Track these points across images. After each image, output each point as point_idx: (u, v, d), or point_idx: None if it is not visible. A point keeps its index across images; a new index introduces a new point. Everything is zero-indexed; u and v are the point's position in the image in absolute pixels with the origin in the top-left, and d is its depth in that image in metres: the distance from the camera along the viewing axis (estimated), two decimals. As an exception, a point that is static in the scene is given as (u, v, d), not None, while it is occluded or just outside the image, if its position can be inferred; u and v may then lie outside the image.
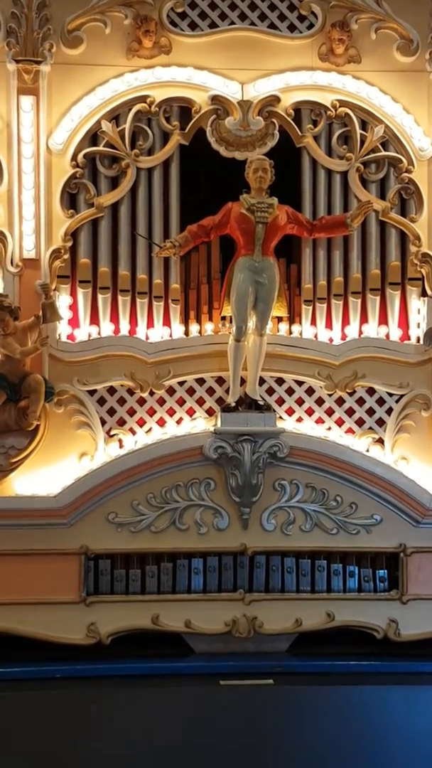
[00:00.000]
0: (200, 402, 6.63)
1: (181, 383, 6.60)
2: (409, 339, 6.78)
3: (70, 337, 6.54)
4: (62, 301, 6.50)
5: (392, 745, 5.74)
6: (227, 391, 6.54)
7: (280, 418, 6.59)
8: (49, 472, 6.39)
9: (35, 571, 6.24)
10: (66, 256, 6.49)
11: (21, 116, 6.45)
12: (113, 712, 5.70)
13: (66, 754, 5.51)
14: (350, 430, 6.70)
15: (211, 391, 6.64)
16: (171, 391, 6.60)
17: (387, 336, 6.74)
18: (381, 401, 6.73)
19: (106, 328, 6.56)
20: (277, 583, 6.47)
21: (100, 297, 6.55)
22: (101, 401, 6.55)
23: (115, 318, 6.59)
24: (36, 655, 6.18)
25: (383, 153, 6.74)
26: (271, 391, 6.66)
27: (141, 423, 6.59)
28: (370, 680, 6.11)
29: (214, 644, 6.40)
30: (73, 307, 6.56)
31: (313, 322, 6.72)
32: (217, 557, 6.45)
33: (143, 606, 6.34)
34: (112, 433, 6.53)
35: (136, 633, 6.35)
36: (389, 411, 6.71)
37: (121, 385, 6.55)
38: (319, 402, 6.69)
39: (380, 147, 6.74)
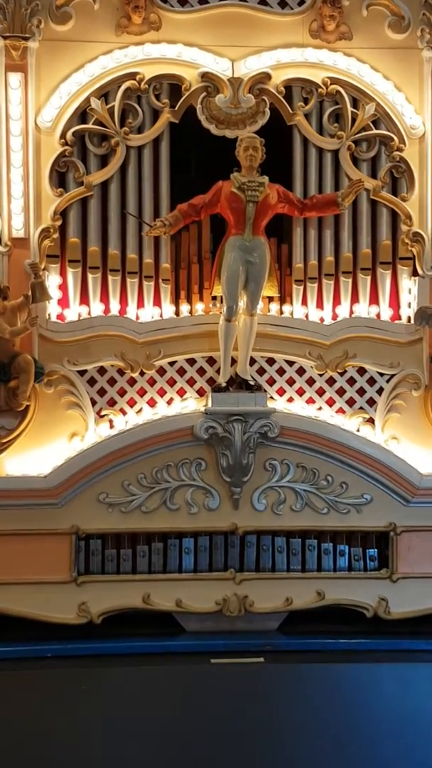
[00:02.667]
0: (191, 382, 6.63)
1: (171, 363, 6.59)
2: (399, 318, 6.77)
3: (60, 317, 6.51)
4: (51, 280, 6.46)
5: (382, 721, 5.78)
6: (218, 371, 6.53)
7: (271, 398, 6.59)
8: (39, 453, 6.39)
9: (26, 551, 6.25)
10: (55, 236, 6.46)
11: (9, 93, 6.38)
12: (105, 691, 5.73)
13: (58, 733, 5.54)
14: (341, 410, 6.71)
15: (201, 371, 6.63)
16: (161, 371, 6.59)
17: (378, 315, 6.74)
18: (372, 381, 6.73)
19: (96, 307, 6.53)
20: (267, 562, 6.50)
21: (89, 276, 6.52)
22: (91, 381, 6.54)
23: (105, 298, 6.56)
24: (27, 634, 6.21)
25: (374, 131, 6.70)
26: (261, 371, 6.66)
27: (131, 403, 6.58)
28: (360, 658, 6.16)
29: (205, 623, 6.43)
30: (63, 287, 6.53)
31: (304, 301, 6.71)
32: (208, 537, 6.47)
33: (134, 585, 6.37)
34: (102, 413, 6.53)
35: (127, 612, 6.38)
36: (380, 391, 6.72)
37: (112, 365, 6.54)
38: (310, 382, 6.70)
39: (371, 125, 6.70)
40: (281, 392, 6.68)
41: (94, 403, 6.52)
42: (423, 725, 5.75)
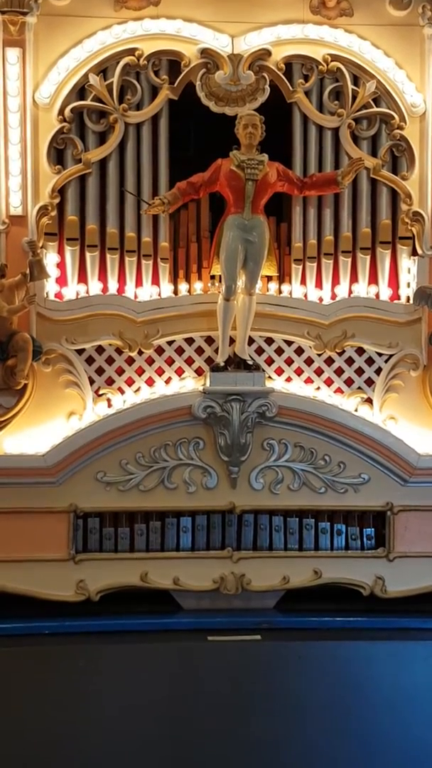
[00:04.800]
0: (189, 361, 6.62)
1: (170, 343, 6.58)
2: (398, 298, 6.76)
3: (58, 295, 6.49)
4: (50, 258, 6.44)
5: (378, 699, 5.83)
6: (216, 350, 6.52)
7: (269, 377, 6.58)
8: (37, 432, 6.39)
9: (24, 529, 6.27)
10: (53, 213, 6.42)
11: (7, 69, 6.32)
12: (102, 668, 5.77)
13: (55, 710, 5.59)
14: (339, 390, 6.71)
15: (200, 351, 6.62)
16: (160, 350, 6.58)
17: (377, 295, 6.72)
18: (370, 361, 6.73)
19: (95, 286, 6.51)
20: (265, 541, 6.52)
21: (88, 255, 6.50)
22: (89, 360, 6.52)
23: (103, 276, 6.53)
24: (25, 612, 6.23)
25: (375, 109, 6.65)
26: (260, 351, 6.65)
27: (129, 382, 6.57)
28: (356, 636, 6.19)
29: (203, 601, 6.46)
30: (61, 265, 6.50)
31: (303, 281, 6.68)
32: (206, 516, 6.48)
33: (132, 563, 6.39)
34: (100, 392, 6.52)
35: (124, 590, 6.40)
36: (378, 371, 6.71)
37: (110, 345, 6.53)
38: (308, 362, 6.69)
39: (372, 103, 6.64)
40: (279, 372, 6.67)
41: (92, 382, 6.51)
42: (418, 702, 5.81)
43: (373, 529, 6.64)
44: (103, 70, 6.45)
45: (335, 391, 6.70)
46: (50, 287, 6.45)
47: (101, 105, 6.46)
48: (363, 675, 5.90)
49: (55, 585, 6.30)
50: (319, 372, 6.70)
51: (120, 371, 6.56)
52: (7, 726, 5.51)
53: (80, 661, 5.80)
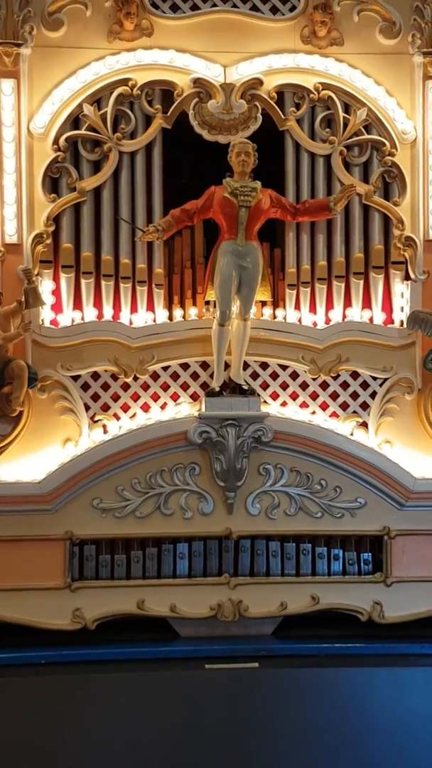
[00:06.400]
0: (184, 387, 6.63)
1: (165, 368, 6.59)
2: (392, 323, 6.79)
3: (53, 322, 6.51)
4: (45, 286, 6.47)
5: (377, 725, 5.77)
6: (211, 375, 6.54)
7: (265, 402, 6.59)
8: (33, 459, 6.38)
9: (20, 557, 6.24)
10: (48, 241, 6.46)
11: (1, 100, 6.40)
12: (99, 697, 5.71)
13: (51, 740, 5.53)
14: (334, 414, 6.71)
15: (195, 376, 6.63)
16: (155, 376, 6.59)
17: (371, 320, 6.75)
18: (365, 385, 6.74)
19: (90, 313, 6.53)
20: (262, 566, 6.50)
21: (83, 282, 6.53)
22: (85, 387, 6.53)
23: (98, 303, 6.56)
24: (21, 640, 6.18)
25: (366, 136, 6.72)
26: (255, 376, 6.66)
27: (125, 408, 6.57)
28: (355, 662, 6.15)
29: (200, 628, 6.42)
30: (56, 293, 6.53)
31: (297, 306, 6.72)
32: (203, 542, 6.46)
33: (129, 591, 6.35)
34: (96, 418, 6.52)
35: (121, 618, 6.36)
36: (373, 395, 6.73)
37: (105, 371, 6.54)
38: (303, 386, 6.70)
39: (363, 130, 6.72)
40: (275, 396, 6.68)
41: (87, 408, 6.51)
42: (417, 729, 5.75)
43: (370, 554, 6.62)
44: (97, 100, 6.53)
45: (330, 416, 6.71)
46: (45, 314, 6.48)
47: (95, 134, 6.53)
48: (362, 701, 5.85)
49: (51, 614, 6.26)
50: (314, 396, 6.71)
51: (115, 397, 6.56)
52: (4, 756, 5.44)
53: (77, 690, 5.74)
